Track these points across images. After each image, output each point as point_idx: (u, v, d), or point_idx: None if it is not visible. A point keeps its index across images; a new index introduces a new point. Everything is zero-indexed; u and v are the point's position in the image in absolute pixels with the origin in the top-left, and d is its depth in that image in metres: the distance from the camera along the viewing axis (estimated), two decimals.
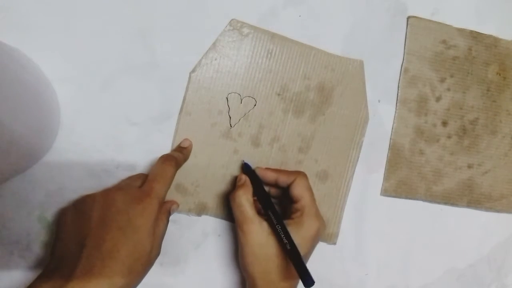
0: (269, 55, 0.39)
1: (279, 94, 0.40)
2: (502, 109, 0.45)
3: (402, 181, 0.44)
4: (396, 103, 0.43)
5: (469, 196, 0.46)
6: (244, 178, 0.37)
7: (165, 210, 0.34)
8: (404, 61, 0.43)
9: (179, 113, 0.38)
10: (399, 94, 0.43)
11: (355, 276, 0.44)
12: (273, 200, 0.36)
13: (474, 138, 0.45)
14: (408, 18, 0.43)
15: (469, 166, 0.45)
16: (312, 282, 0.31)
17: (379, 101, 0.43)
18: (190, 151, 0.38)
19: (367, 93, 0.42)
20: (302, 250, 0.33)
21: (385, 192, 0.43)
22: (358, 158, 0.42)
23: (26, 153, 0.32)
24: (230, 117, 0.39)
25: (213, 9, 0.38)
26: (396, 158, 0.43)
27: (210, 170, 0.39)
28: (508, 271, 0.48)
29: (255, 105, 0.39)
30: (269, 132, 0.40)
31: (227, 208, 0.40)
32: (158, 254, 0.32)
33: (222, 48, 0.38)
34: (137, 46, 0.37)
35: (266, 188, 0.38)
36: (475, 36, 0.44)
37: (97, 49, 0.36)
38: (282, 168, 0.40)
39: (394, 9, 0.42)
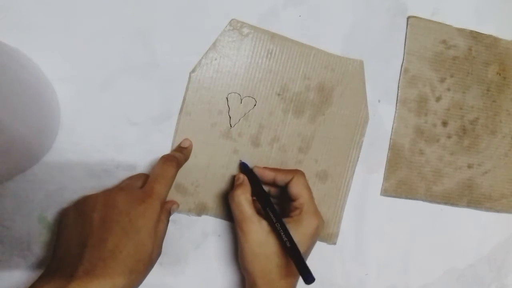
0: (269, 55, 0.39)
1: (279, 94, 0.40)
2: (502, 109, 0.45)
3: (402, 181, 0.44)
4: (396, 103, 0.43)
5: (469, 196, 0.46)
6: (242, 177, 0.37)
7: (165, 210, 0.34)
8: (404, 61, 0.43)
9: (179, 113, 0.38)
10: (399, 94, 0.43)
11: (355, 276, 0.44)
12: (272, 199, 0.36)
13: (474, 138, 0.45)
14: (408, 18, 0.43)
15: (469, 166, 0.45)
16: (313, 279, 0.31)
17: (379, 101, 0.43)
18: (190, 151, 0.38)
19: (367, 93, 0.42)
20: (301, 248, 0.33)
21: (385, 192, 0.43)
22: (358, 158, 0.42)
23: (26, 153, 0.32)
24: (230, 117, 0.39)
25: (213, 9, 0.38)
26: (396, 158, 0.43)
27: (210, 170, 0.39)
28: (508, 271, 0.48)
29: (255, 105, 0.39)
30: (269, 132, 0.40)
31: (227, 208, 0.40)
32: (159, 254, 0.32)
33: (222, 48, 0.38)
34: (137, 46, 0.37)
35: (266, 188, 0.38)
36: (475, 36, 0.44)
37: (97, 49, 0.36)
38: (282, 167, 0.40)
39: (394, 9, 0.42)
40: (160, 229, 0.32)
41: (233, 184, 0.39)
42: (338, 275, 0.44)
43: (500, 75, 0.45)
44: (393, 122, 0.43)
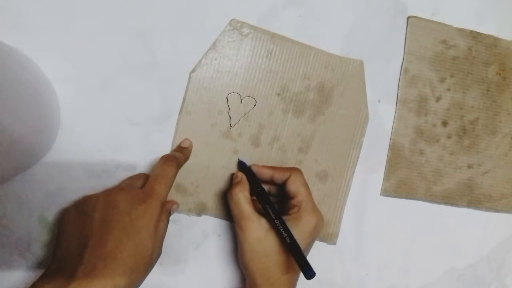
0: (269, 55, 0.39)
1: (279, 94, 0.40)
2: (502, 109, 0.45)
3: (402, 181, 0.44)
4: (396, 103, 0.43)
5: (469, 196, 0.46)
6: (240, 175, 0.37)
7: (165, 210, 0.34)
8: (404, 61, 0.43)
9: (179, 113, 0.38)
10: (399, 94, 0.43)
11: (355, 276, 0.44)
12: (270, 197, 0.36)
13: (474, 138, 0.45)
14: (408, 18, 0.43)
15: (469, 166, 0.45)
16: (313, 274, 0.31)
17: (379, 101, 0.43)
18: (190, 151, 0.38)
19: (367, 93, 0.42)
20: (301, 245, 0.33)
21: (385, 192, 0.43)
22: (358, 158, 0.42)
23: (26, 153, 0.32)
24: (230, 117, 0.39)
25: (213, 9, 0.38)
26: (396, 158, 0.43)
27: (210, 170, 0.39)
28: (508, 271, 0.48)
29: (255, 105, 0.39)
30: (269, 132, 0.40)
31: (227, 208, 0.40)
32: (159, 254, 0.32)
33: (222, 48, 0.38)
34: (137, 46, 0.37)
35: (265, 187, 0.38)
36: (475, 36, 0.44)
37: (97, 49, 0.36)
38: None
39: (394, 9, 0.42)
40: (160, 229, 0.32)
41: (231, 182, 0.39)
42: (338, 275, 0.44)
43: (500, 75, 0.45)
44: (393, 122, 0.43)
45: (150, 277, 0.31)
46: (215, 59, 0.38)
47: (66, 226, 0.32)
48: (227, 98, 0.39)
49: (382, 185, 0.43)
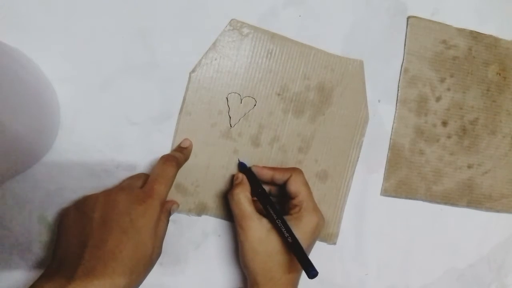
0: (269, 55, 0.39)
1: (279, 94, 0.40)
2: (502, 109, 0.45)
3: (402, 181, 0.44)
4: (396, 103, 0.43)
5: (469, 196, 0.46)
6: (241, 176, 0.37)
7: (165, 210, 0.34)
8: (404, 61, 0.43)
9: (179, 113, 0.38)
10: (399, 94, 0.43)
11: (355, 276, 0.44)
12: (271, 198, 0.36)
13: (474, 138, 0.45)
14: (408, 18, 0.43)
15: (469, 166, 0.45)
16: (316, 273, 0.30)
17: (379, 101, 0.43)
18: (190, 151, 0.38)
19: (367, 93, 0.42)
20: (303, 244, 0.33)
21: (385, 192, 0.43)
22: (358, 158, 0.42)
23: (26, 153, 0.32)
24: (230, 117, 0.39)
25: (213, 9, 0.38)
26: (396, 158, 0.43)
27: (210, 170, 0.39)
28: (508, 271, 0.48)
29: (255, 105, 0.39)
30: (269, 132, 0.40)
31: (227, 208, 0.40)
32: (159, 254, 0.32)
33: (222, 48, 0.38)
34: (137, 46, 0.37)
35: (266, 188, 0.38)
36: (475, 36, 0.44)
37: (97, 49, 0.36)
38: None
39: (394, 9, 0.42)
40: (160, 229, 0.32)
41: (232, 183, 0.39)
42: (338, 275, 0.44)
43: (500, 75, 0.45)
44: (393, 122, 0.43)
45: (150, 277, 0.31)
46: (215, 59, 0.38)
47: (66, 226, 0.32)
48: (227, 98, 0.39)
49: (382, 185, 0.43)
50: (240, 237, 0.35)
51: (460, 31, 0.44)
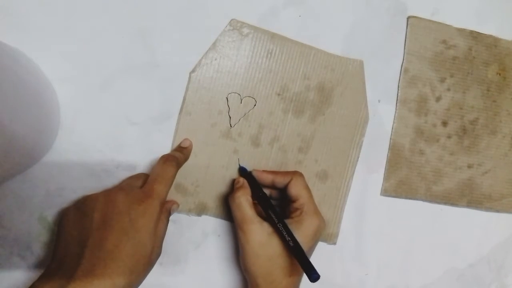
0: (269, 55, 0.39)
1: (279, 94, 0.40)
2: (502, 109, 0.45)
3: (402, 181, 0.44)
4: (396, 103, 0.43)
5: (469, 196, 0.46)
6: (242, 180, 0.37)
7: (165, 210, 0.34)
8: (404, 61, 0.43)
9: (179, 113, 0.38)
10: (399, 94, 0.43)
11: (355, 276, 0.44)
12: (272, 202, 0.36)
13: (474, 138, 0.45)
14: (408, 18, 0.43)
15: (469, 166, 0.45)
16: (318, 276, 0.31)
17: (379, 101, 0.43)
18: (190, 151, 0.38)
19: (367, 93, 0.42)
20: (304, 248, 0.33)
21: (385, 192, 0.43)
22: (358, 158, 0.42)
23: (26, 153, 0.32)
24: (230, 117, 0.39)
25: (213, 9, 0.38)
26: (396, 158, 0.43)
27: (210, 170, 0.39)
28: (508, 271, 0.48)
29: (255, 105, 0.39)
30: (269, 132, 0.40)
31: (227, 208, 0.40)
32: (159, 254, 0.32)
33: (222, 48, 0.38)
34: (137, 46, 0.37)
35: (266, 191, 0.38)
36: (475, 36, 0.44)
37: (97, 49, 0.36)
38: (282, 168, 0.41)
39: (394, 9, 0.42)
40: (160, 229, 0.32)
41: (233, 187, 0.39)
42: (338, 275, 0.44)
43: (500, 75, 0.45)
44: (393, 122, 0.43)
45: (150, 277, 0.31)
46: (215, 59, 0.38)
47: (65, 226, 0.32)
48: (227, 98, 0.39)
49: (382, 185, 0.43)
50: (241, 240, 0.35)
51: (460, 31, 0.44)
